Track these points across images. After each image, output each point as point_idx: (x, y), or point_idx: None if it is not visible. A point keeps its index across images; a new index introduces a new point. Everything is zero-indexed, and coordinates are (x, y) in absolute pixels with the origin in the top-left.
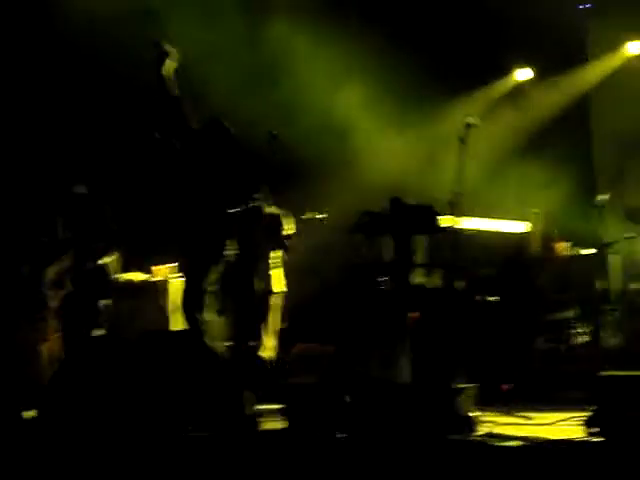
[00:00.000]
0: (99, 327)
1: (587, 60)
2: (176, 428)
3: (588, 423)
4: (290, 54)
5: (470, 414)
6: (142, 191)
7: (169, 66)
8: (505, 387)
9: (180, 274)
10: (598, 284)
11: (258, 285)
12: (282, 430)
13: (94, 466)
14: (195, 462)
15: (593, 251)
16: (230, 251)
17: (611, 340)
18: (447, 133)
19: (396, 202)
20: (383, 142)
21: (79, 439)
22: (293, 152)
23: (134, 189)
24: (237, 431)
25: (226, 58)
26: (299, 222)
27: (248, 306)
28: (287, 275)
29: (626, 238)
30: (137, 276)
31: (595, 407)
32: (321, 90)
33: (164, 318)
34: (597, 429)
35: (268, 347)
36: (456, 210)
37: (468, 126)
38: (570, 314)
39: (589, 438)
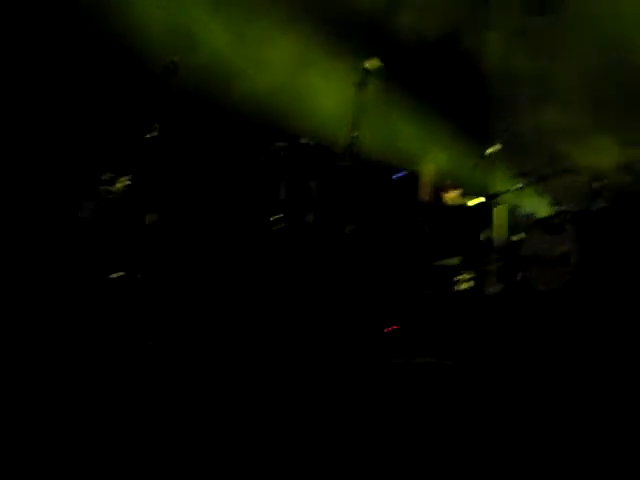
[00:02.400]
0: None
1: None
2: None
3: None
4: None
5: None
6: None
7: None
8: (389, 329)
9: None
10: (483, 234)
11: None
12: None
13: None
14: None
15: (480, 201)
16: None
17: (492, 288)
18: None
19: (294, 141)
20: (288, 83)
21: None
22: (196, 84)
23: None
24: None
25: None
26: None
27: None
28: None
29: (512, 190)
30: None
31: None
32: (231, 28)
33: None
34: None
35: None
36: (351, 154)
37: (366, 71)
38: (455, 261)
39: None
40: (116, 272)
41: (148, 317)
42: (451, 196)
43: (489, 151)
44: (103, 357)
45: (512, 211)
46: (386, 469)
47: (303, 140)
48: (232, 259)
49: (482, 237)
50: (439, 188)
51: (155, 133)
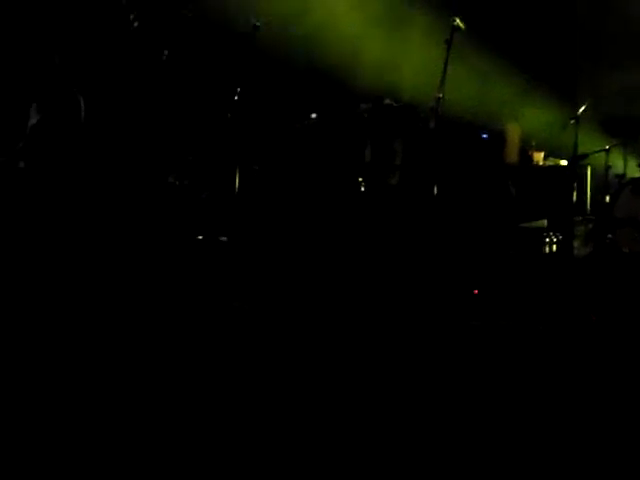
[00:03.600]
0: None
1: None
2: None
3: None
4: None
5: None
6: None
7: None
8: (476, 291)
9: None
10: (572, 195)
11: None
12: None
13: None
14: None
15: (568, 162)
16: None
17: (581, 250)
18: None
19: (378, 102)
20: (371, 43)
21: None
22: (278, 47)
23: None
24: None
25: None
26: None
27: None
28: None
29: (602, 150)
30: None
31: None
32: None
33: None
34: None
35: None
36: (437, 114)
37: (454, 29)
38: (542, 223)
39: None
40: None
41: (235, 280)
42: (538, 157)
43: (579, 111)
44: (189, 317)
45: (601, 173)
46: (461, 429)
47: (387, 101)
48: (318, 220)
49: (571, 199)
50: (526, 149)
51: (238, 96)
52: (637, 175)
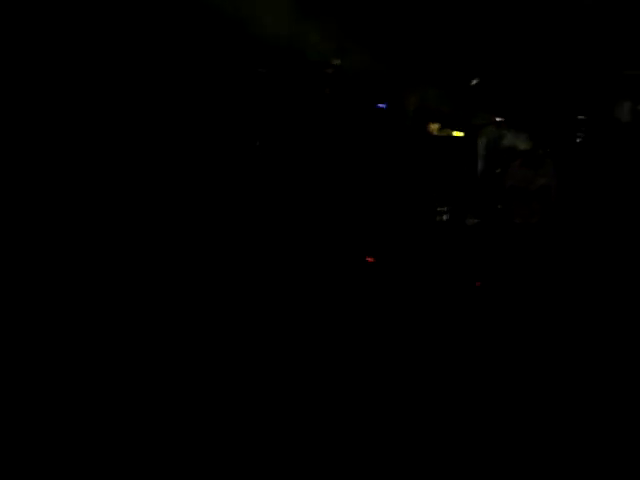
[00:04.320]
0: None
1: None
2: None
3: None
4: None
5: None
6: None
7: None
8: (370, 259)
9: None
10: (464, 165)
11: None
12: None
13: None
14: None
15: (463, 133)
16: None
17: (471, 219)
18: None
19: (278, 66)
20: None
21: None
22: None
23: None
24: None
25: None
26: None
27: None
28: None
29: (494, 123)
30: None
31: None
32: None
33: None
34: None
35: None
36: (335, 81)
37: None
38: (436, 193)
39: None
40: None
41: None
42: (433, 128)
43: (472, 83)
44: None
45: (493, 144)
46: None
47: (287, 65)
48: (210, 179)
49: (463, 169)
50: (422, 119)
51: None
52: (527, 147)
